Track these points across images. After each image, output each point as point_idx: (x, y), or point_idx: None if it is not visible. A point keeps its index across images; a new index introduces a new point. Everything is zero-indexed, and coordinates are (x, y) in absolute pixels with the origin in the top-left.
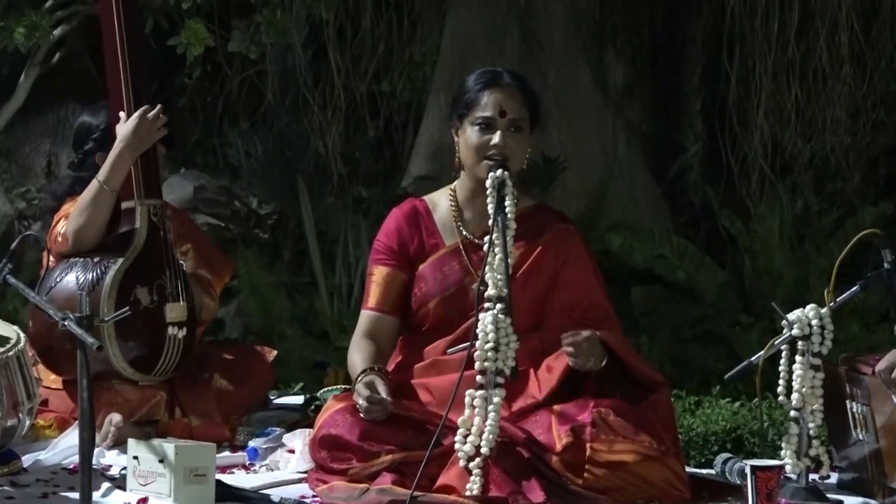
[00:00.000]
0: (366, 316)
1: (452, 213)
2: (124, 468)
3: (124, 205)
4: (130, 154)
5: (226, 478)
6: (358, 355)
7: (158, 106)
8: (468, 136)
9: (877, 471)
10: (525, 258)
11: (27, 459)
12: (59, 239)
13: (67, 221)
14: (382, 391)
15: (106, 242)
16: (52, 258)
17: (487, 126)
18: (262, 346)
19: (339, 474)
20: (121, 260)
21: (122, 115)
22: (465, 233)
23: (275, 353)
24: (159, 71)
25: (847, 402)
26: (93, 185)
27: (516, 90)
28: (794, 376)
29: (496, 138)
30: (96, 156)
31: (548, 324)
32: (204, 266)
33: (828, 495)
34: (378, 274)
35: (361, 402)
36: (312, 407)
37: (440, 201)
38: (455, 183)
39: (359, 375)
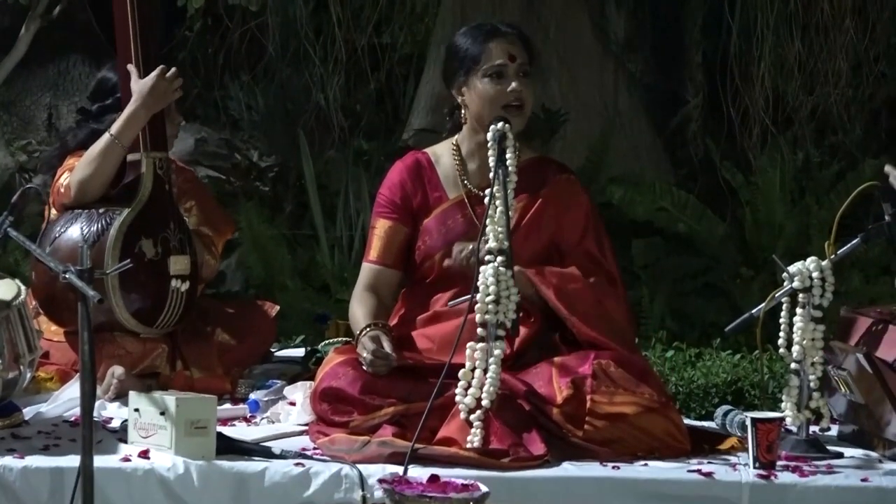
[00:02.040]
0: (367, 268)
1: (456, 166)
2: (125, 420)
3: (130, 157)
4: (146, 113)
5: (227, 430)
6: (360, 309)
7: (174, 69)
8: (481, 89)
9: (872, 425)
10: (526, 210)
11: (28, 412)
12: (62, 190)
13: (73, 172)
14: (387, 347)
15: (110, 194)
16: (53, 210)
17: (499, 75)
18: (265, 300)
19: (339, 427)
20: (126, 211)
21: (131, 68)
22: (469, 185)
23: (277, 308)
24: (161, 24)
25: (826, 366)
26: (104, 139)
27: (517, 37)
28: (794, 329)
29: (513, 84)
30: (116, 115)
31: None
32: (206, 223)
33: (828, 447)
34: (380, 227)
35: (366, 355)
36: (314, 360)
37: (442, 154)
38: (456, 136)
39: (363, 329)
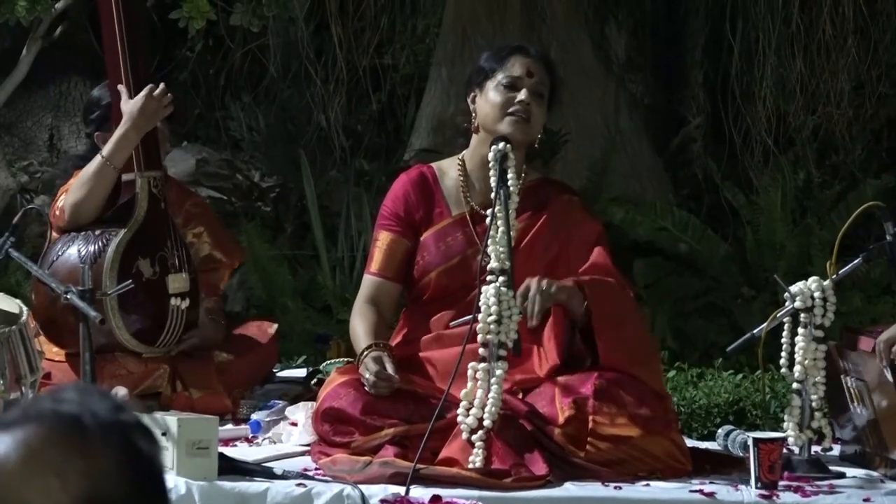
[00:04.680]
0: (368, 281)
1: (460, 183)
2: None
3: (124, 177)
4: (136, 133)
5: (228, 451)
6: (360, 324)
7: (162, 84)
8: (491, 96)
9: (877, 443)
10: (527, 231)
11: None
12: (58, 213)
13: (66, 195)
14: (389, 368)
15: (106, 215)
16: (54, 232)
17: (512, 86)
18: (263, 320)
19: (341, 447)
20: (122, 232)
21: (121, 88)
22: (472, 203)
23: (276, 326)
24: (161, 45)
25: (842, 376)
26: (96, 161)
27: (542, 61)
28: (796, 349)
29: (522, 95)
30: (95, 135)
31: None
32: (217, 248)
33: (830, 467)
34: (382, 239)
35: (369, 376)
36: (315, 380)
37: (448, 170)
38: (464, 153)
39: (364, 350)
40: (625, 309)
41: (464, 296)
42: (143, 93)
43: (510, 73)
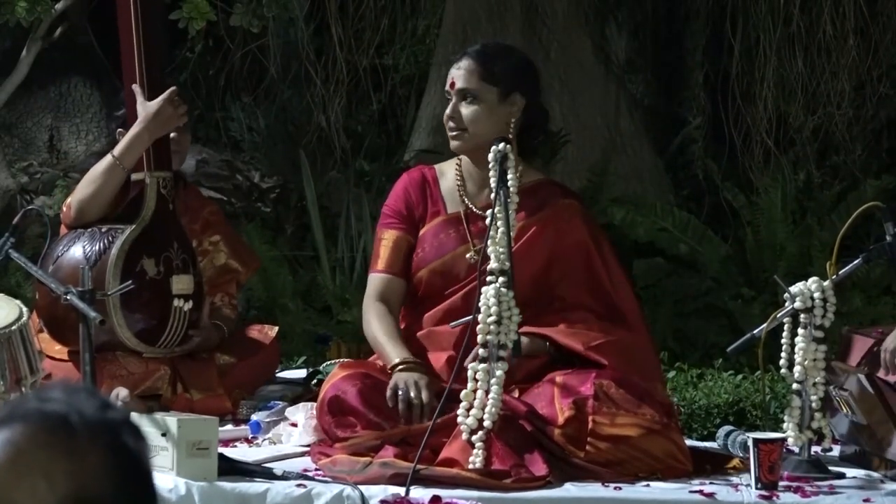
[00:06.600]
0: (377, 279)
1: (457, 182)
2: None
3: (134, 176)
4: (149, 136)
5: (228, 451)
6: (381, 327)
7: (178, 97)
8: None
9: (873, 445)
10: (524, 232)
11: None
12: (65, 209)
13: (74, 192)
14: (426, 396)
15: (112, 215)
16: (62, 228)
17: (448, 101)
18: (263, 323)
19: (343, 441)
20: (128, 230)
21: (135, 87)
22: (467, 201)
23: (276, 329)
24: (162, 45)
25: (827, 386)
26: (106, 160)
27: (472, 62)
28: (796, 349)
29: (447, 110)
30: (117, 132)
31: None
32: (234, 257)
33: (830, 468)
34: (388, 237)
35: (415, 399)
36: (315, 381)
37: (447, 171)
38: (461, 155)
39: (409, 364)
40: (627, 356)
41: (451, 295)
42: (162, 97)
43: (446, 89)
